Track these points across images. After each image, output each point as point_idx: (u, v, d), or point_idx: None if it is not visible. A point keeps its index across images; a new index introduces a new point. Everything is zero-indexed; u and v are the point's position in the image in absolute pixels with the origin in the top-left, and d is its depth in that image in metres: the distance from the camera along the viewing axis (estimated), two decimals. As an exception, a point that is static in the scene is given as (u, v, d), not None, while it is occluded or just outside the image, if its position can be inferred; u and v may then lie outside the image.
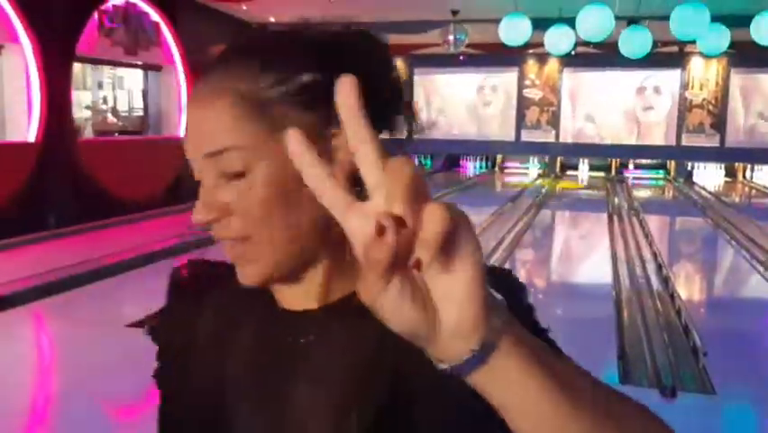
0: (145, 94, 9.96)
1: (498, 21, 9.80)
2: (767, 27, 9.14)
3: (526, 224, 9.47)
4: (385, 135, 0.79)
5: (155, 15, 9.34)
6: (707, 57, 14.89)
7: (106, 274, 5.80)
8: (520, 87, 16.72)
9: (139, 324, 4.33)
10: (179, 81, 9.88)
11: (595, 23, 8.83)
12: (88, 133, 9.02)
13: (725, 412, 3.41)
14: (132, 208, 8.63)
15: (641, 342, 4.46)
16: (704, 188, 14.36)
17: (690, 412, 3.34)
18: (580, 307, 5.74)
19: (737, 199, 14.04)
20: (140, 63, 9.50)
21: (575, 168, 17.37)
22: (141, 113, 10.09)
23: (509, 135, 16.88)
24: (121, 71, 10.12)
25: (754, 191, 15.02)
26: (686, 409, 3.35)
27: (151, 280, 5.80)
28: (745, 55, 14.09)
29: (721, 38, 9.99)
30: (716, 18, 9.25)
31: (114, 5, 8.58)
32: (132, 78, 10.16)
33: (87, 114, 9.26)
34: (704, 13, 8.66)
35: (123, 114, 10.15)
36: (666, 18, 8.95)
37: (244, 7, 10.73)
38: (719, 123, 15.80)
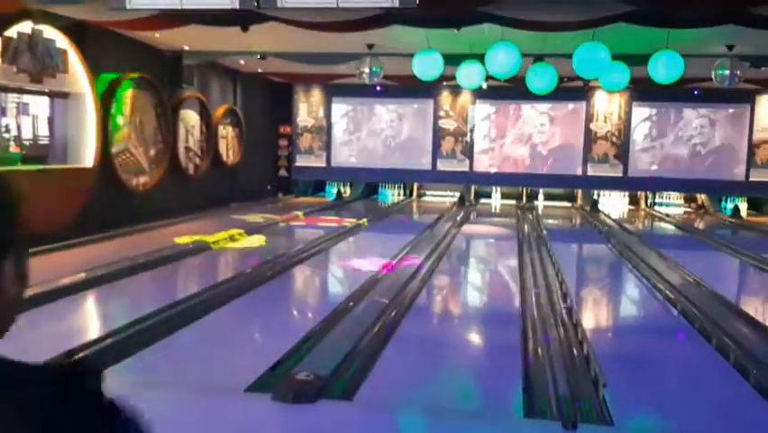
0: (51, 121, 9.62)
1: (412, 55, 10.03)
2: (662, 66, 9.71)
3: (441, 252, 9.65)
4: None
5: (62, 42, 9.08)
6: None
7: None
8: (435, 117, 17.12)
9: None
10: (88, 109, 9.61)
11: (503, 61, 9.18)
12: (-11, 163, 8.63)
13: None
14: (37, 241, 8.28)
15: (545, 373, 4.61)
16: (609, 216, 15.02)
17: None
18: (489, 336, 5.89)
19: (640, 226, 14.75)
20: (46, 90, 9.20)
21: (489, 196, 17.88)
22: (46, 141, 9.74)
23: (426, 164, 17.22)
24: (26, 98, 9.75)
25: (656, 219, 15.83)
26: (585, 441, 3.48)
27: (56, 319, 5.59)
28: (645, 89, 14.89)
29: (621, 75, 10.54)
30: (616, 56, 9.77)
31: (19, 32, 8.30)
32: (38, 105, 9.81)
33: (-11, 142, 8.86)
34: (604, 52, 9.13)
35: (28, 142, 9.76)
36: (570, 56, 9.39)
37: (157, 35, 10.56)
38: (622, 153, 16.64)
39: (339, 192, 17.87)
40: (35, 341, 5.00)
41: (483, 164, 17.09)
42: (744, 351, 5.04)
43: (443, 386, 4.41)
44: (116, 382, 3.46)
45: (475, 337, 5.96)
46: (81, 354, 4.47)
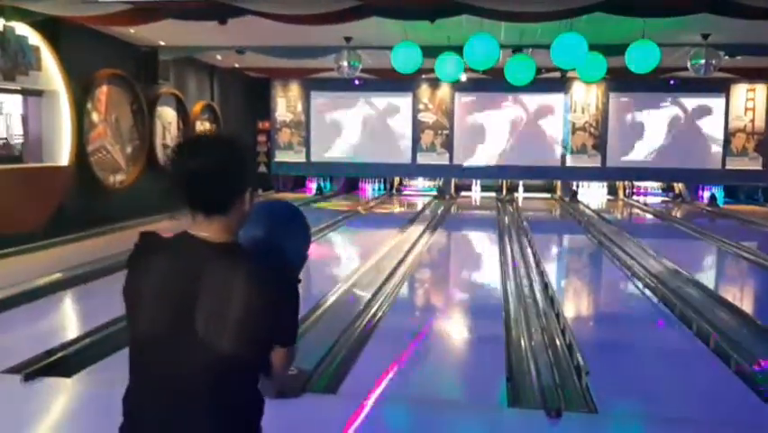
0: (25, 120, 9.46)
1: (390, 48, 9.99)
2: (640, 56, 9.77)
3: (423, 245, 9.65)
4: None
5: (35, 38, 8.93)
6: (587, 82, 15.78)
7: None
8: (415, 110, 17.10)
9: (16, 370, 4.09)
10: (62, 107, 9.46)
11: (481, 52, 9.17)
12: (-38, 163, 8.48)
13: (605, 431, 3.58)
14: (11, 242, 8.15)
15: (528, 362, 4.63)
16: (588, 207, 15.12)
17: (574, 432, 3.49)
18: (472, 327, 5.89)
19: (619, 216, 14.86)
20: (19, 88, 9.04)
21: (469, 189, 17.91)
22: (20, 140, 9.58)
23: (406, 158, 17.19)
24: (-1, 96, 9.60)
25: (634, 209, 15.96)
26: (570, 430, 3.49)
27: (33, 320, 5.51)
28: (622, 80, 14.99)
29: (598, 66, 10.59)
30: (593, 47, 9.80)
31: (-11, 28, 8.15)
32: (11, 104, 9.65)
33: (-38, 141, 8.71)
34: (582, 43, 9.15)
35: (1, 141, 9.60)
36: (548, 47, 9.40)
37: (132, 30, 10.43)
38: (600, 144, 16.74)
39: (319, 187, 17.80)
40: (13, 341, 4.94)
41: (463, 157, 17.09)
42: (723, 336, 5.09)
43: (427, 378, 4.41)
44: (98, 379, 3.41)
45: (458, 329, 5.96)
46: (61, 354, 4.40)
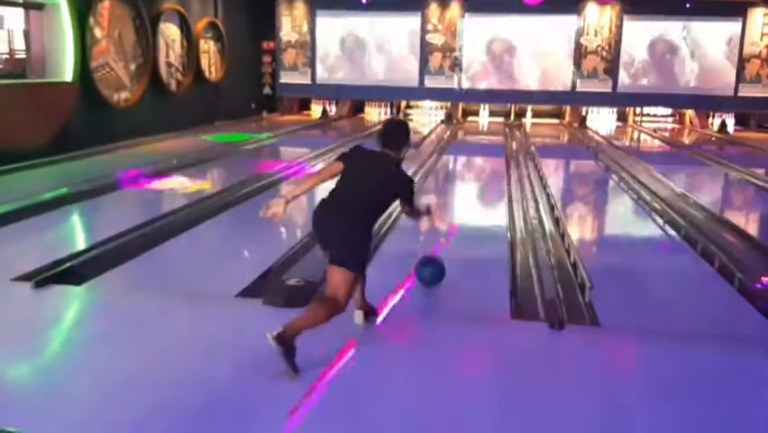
0: (27, 34, 9.29)
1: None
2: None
3: (429, 169, 9.62)
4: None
5: (34, -51, 8.69)
6: (600, 4, 15.35)
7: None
8: (423, 32, 16.70)
9: (26, 277, 4.15)
10: (65, 21, 9.26)
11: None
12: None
13: (607, 343, 3.63)
14: (17, 158, 8.14)
15: (531, 279, 4.67)
16: (597, 132, 14.96)
17: (576, 343, 3.54)
18: (477, 248, 5.91)
19: (628, 142, 14.72)
20: (20, 1, 8.85)
21: (476, 114, 17.69)
22: (23, 55, 9.44)
23: (413, 81, 16.91)
24: (1, 11, 9.41)
25: (643, 135, 15.79)
26: (572, 341, 3.55)
27: (39, 232, 5.55)
28: (637, 2, 14.59)
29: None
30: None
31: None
32: (13, 19, 9.46)
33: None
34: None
35: (4, 56, 9.47)
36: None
37: (133, -58, 10.11)
38: (612, 68, 16.42)
39: (324, 110, 17.61)
40: (23, 251, 5.00)
41: (471, 81, 16.82)
42: (728, 256, 5.10)
43: (431, 294, 4.44)
44: (107, 288, 3.41)
45: (463, 249, 5.98)
46: (70, 264, 4.46)
